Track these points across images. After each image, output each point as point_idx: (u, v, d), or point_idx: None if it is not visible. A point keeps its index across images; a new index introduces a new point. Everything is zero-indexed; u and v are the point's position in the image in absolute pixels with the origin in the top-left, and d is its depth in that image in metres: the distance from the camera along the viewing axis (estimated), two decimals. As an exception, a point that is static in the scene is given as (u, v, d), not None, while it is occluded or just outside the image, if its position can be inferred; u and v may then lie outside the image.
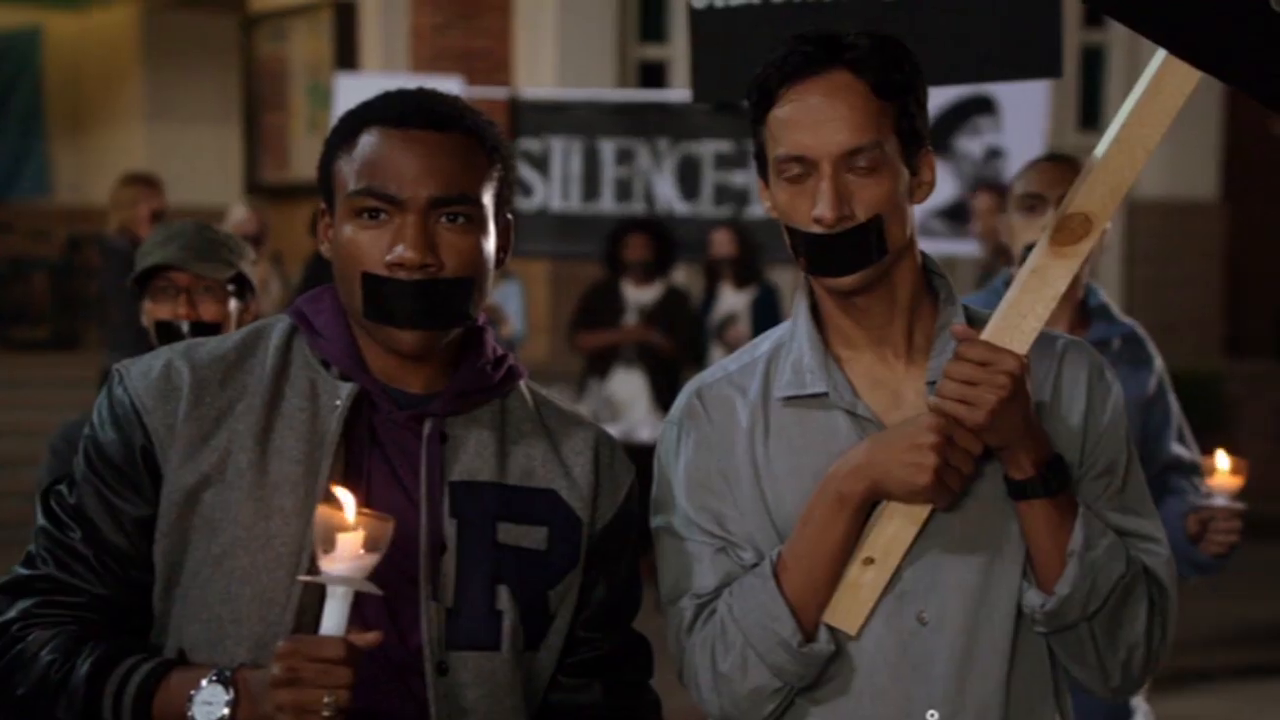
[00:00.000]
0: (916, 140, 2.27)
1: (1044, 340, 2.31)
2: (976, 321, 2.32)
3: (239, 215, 8.66)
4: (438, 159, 2.12)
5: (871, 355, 2.32)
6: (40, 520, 2.16)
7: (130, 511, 2.12)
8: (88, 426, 2.17)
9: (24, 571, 2.15)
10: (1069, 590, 2.23)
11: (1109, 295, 4.04)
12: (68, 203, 15.35)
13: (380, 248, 2.11)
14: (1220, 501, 3.61)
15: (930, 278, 2.36)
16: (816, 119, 2.21)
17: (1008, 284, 3.91)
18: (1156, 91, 2.28)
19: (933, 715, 2.26)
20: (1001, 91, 8.85)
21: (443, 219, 2.12)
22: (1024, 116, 8.87)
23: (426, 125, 2.13)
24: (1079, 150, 8.47)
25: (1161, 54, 2.26)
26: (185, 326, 3.31)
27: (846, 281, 2.24)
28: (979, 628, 2.27)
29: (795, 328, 2.35)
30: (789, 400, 2.31)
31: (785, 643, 2.22)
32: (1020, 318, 2.27)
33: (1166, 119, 2.29)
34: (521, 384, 2.28)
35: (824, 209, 2.20)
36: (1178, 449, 3.90)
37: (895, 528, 2.25)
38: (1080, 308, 3.92)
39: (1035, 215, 3.82)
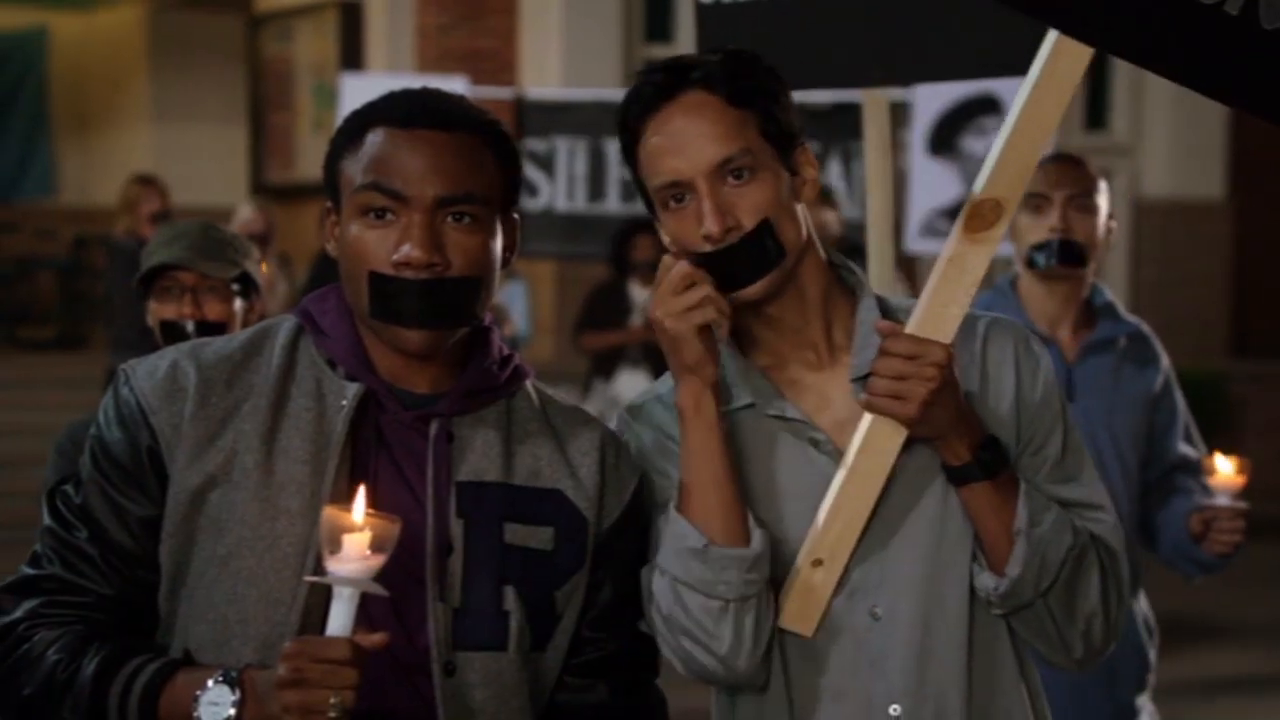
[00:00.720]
0: (788, 141, 2.28)
1: (965, 324, 2.33)
2: (894, 313, 2.34)
3: (245, 215, 8.66)
4: (444, 158, 2.12)
5: (796, 362, 2.33)
6: (46, 520, 2.16)
7: (136, 511, 2.12)
8: (93, 426, 2.17)
9: (30, 571, 2.15)
10: (1019, 570, 2.25)
11: (1114, 294, 4.04)
12: (73, 203, 15.35)
13: (387, 247, 2.11)
14: (1223, 501, 3.61)
15: (839, 273, 2.37)
16: (681, 141, 2.23)
17: (1012, 283, 3.94)
18: (1052, 71, 2.29)
19: (895, 709, 2.27)
20: (1007, 91, 8.82)
21: (449, 218, 2.12)
22: (1029, 116, 8.86)
23: (433, 125, 2.13)
24: (1085, 150, 8.46)
25: (1053, 34, 2.28)
26: (190, 326, 3.31)
27: (753, 290, 2.25)
28: (932, 617, 2.28)
29: None
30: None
31: (693, 551, 2.20)
32: (943, 307, 2.28)
33: (1064, 97, 2.30)
34: (528, 384, 2.28)
35: (709, 224, 2.21)
36: (1184, 448, 3.90)
37: (840, 526, 2.26)
38: (1086, 306, 3.92)
39: (1041, 215, 3.82)
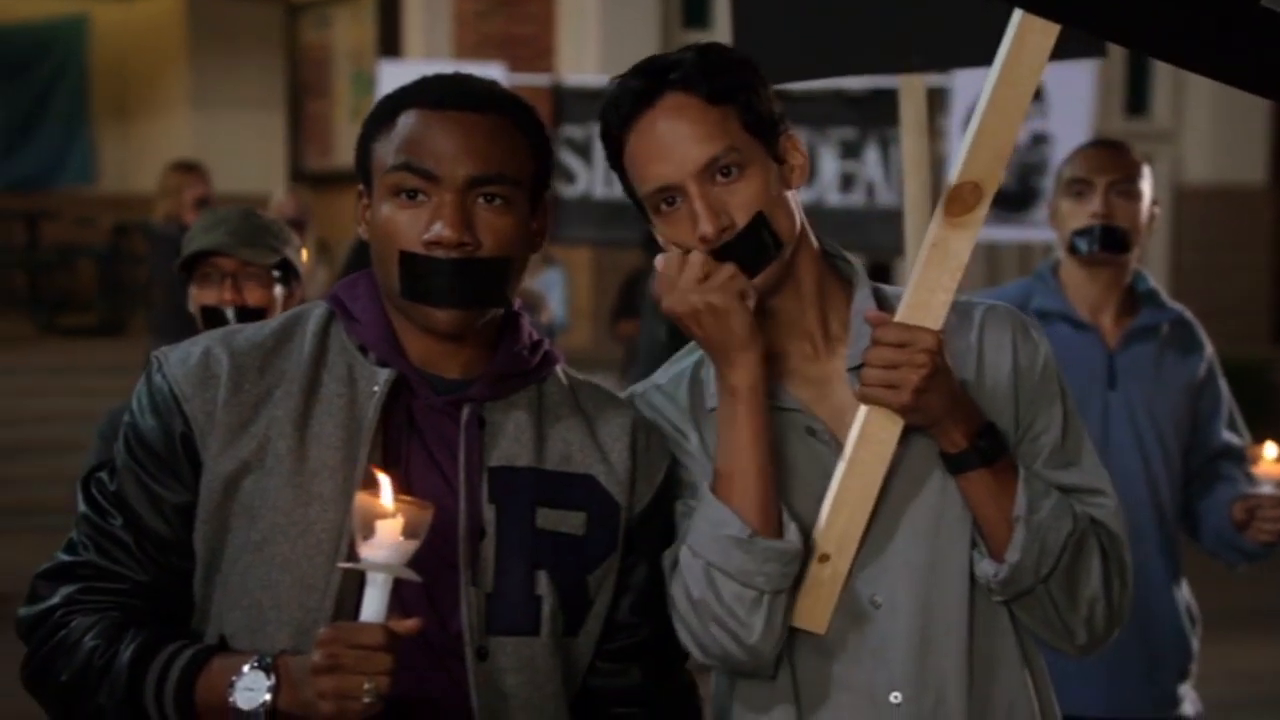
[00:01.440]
0: (771, 130, 2.26)
1: (962, 311, 2.33)
2: (889, 302, 2.33)
3: (278, 199, 8.72)
4: (475, 139, 2.12)
5: (794, 352, 2.32)
6: (81, 507, 2.17)
7: (170, 498, 2.13)
8: (127, 414, 2.17)
9: (66, 558, 2.16)
10: (1019, 556, 2.25)
11: (1156, 280, 4.01)
12: (113, 190, 15.44)
13: (418, 227, 2.11)
14: (1267, 489, 3.58)
15: (834, 263, 2.36)
16: (666, 145, 2.21)
17: (1054, 269, 3.91)
18: (1020, 51, 2.28)
19: (896, 697, 2.27)
20: (1048, 78, 8.73)
21: (480, 199, 2.12)
22: (1070, 103, 8.81)
23: (464, 106, 2.13)
24: (1126, 136, 8.40)
25: (1019, 14, 2.26)
26: (230, 312, 3.33)
27: (754, 284, 2.23)
28: (932, 605, 2.28)
29: None
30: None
31: (736, 540, 2.19)
32: (929, 294, 2.27)
33: (1035, 75, 2.29)
34: (558, 369, 2.27)
35: (704, 226, 2.20)
36: (1228, 435, 3.87)
37: (844, 520, 2.26)
38: (1128, 293, 3.89)
39: (1083, 200, 3.80)
